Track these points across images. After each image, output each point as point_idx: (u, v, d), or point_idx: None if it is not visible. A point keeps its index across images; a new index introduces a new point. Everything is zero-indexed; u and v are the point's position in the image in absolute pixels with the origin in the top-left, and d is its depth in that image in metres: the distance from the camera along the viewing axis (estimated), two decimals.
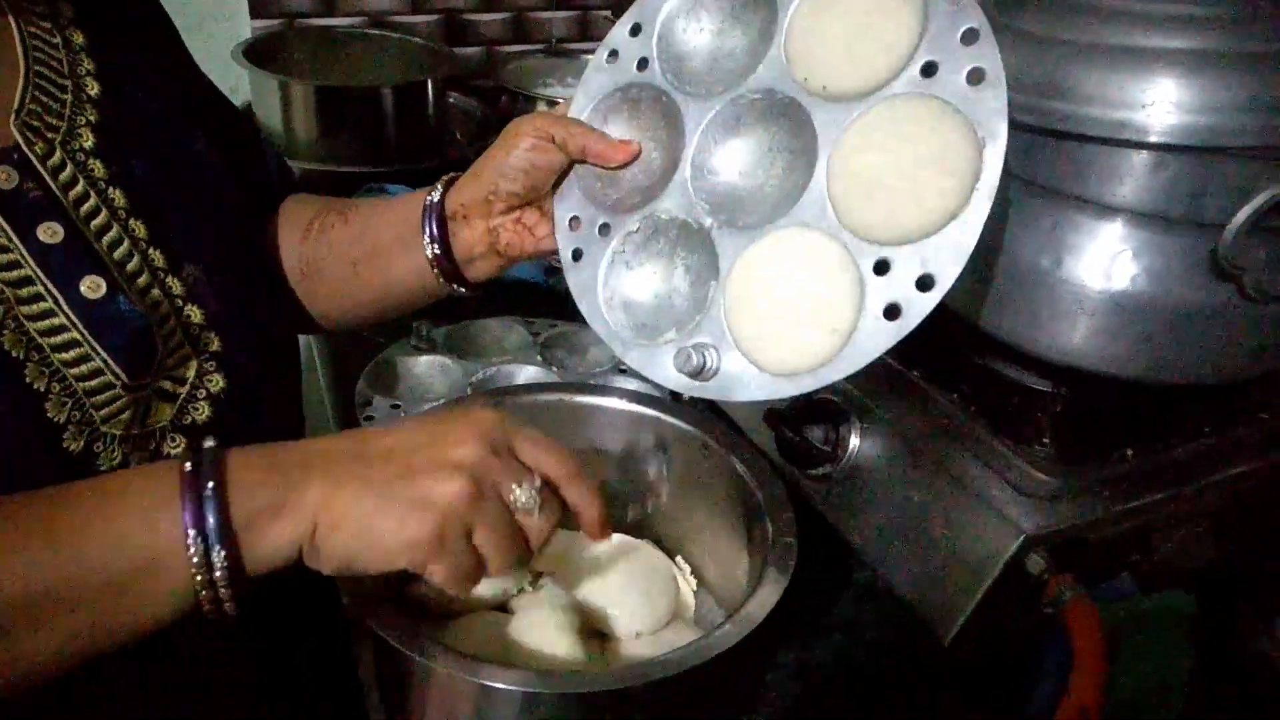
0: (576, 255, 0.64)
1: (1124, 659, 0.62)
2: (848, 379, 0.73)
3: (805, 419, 0.75)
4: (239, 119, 0.74)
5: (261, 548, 0.45)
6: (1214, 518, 0.71)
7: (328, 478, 0.46)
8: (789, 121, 0.57)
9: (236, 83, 1.35)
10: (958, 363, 0.75)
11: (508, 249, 0.66)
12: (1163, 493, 0.68)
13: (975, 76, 0.51)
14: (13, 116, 0.53)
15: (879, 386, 0.74)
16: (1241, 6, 0.59)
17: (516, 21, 1.59)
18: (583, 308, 0.63)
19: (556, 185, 0.65)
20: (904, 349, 0.77)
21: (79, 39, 0.58)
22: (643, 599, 0.66)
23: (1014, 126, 0.64)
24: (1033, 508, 0.64)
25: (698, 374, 0.57)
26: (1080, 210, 0.64)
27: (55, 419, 0.50)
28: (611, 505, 0.74)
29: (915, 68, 0.52)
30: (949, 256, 0.50)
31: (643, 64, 0.63)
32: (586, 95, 0.65)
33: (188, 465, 0.44)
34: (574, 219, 0.64)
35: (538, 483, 0.49)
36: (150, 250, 0.57)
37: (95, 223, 0.54)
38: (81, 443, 0.51)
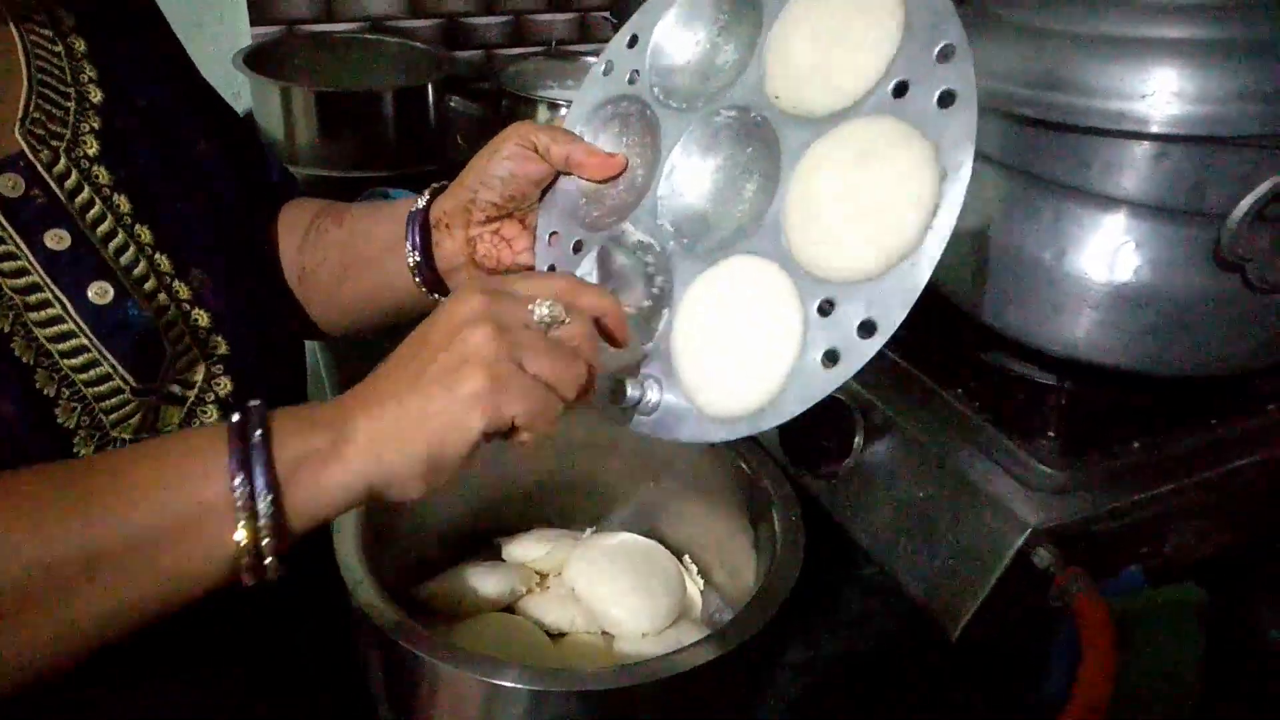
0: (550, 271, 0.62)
1: (1134, 651, 0.62)
2: (852, 377, 0.75)
3: (810, 417, 0.74)
4: (240, 124, 0.74)
5: (312, 495, 0.43)
6: (1223, 509, 0.71)
7: (365, 409, 0.44)
8: (760, 141, 0.54)
9: (238, 90, 1.35)
10: (962, 358, 0.75)
11: (484, 260, 0.64)
12: (1170, 485, 0.67)
13: (946, 99, 0.47)
14: (18, 125, 0.54)
15: (884, 384, 0.74)
16: None
17: (516, 24, 1.59)
18: None
19: (543, 199, 0.64)
20: (908, 346, 0.77)
21: (80, 46, 0.59)
22: (649, 598, 0.66)
23: (1014, 119, 0.65)
24: (1039, 501, 0.64)
25: (634, 406, 0.54)
26: (1082, 202, 0.63)
27: (65, 424, 0.51)
28: (617, 505, 0.75)
29: (887, 86, 0.49)
30: (895, 301, 0.47)
31: (634, 77, 0.61)
32: (580, 107, 0.64)
33: (235, 416, 0.43)
34: (553, 234, 0.62)
35: (550, 299, 0.47)
36: (156, 255, 0.57)
37: (101, 229, 0.55)
38: (92, 447, 0.52)
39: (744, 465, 0.66)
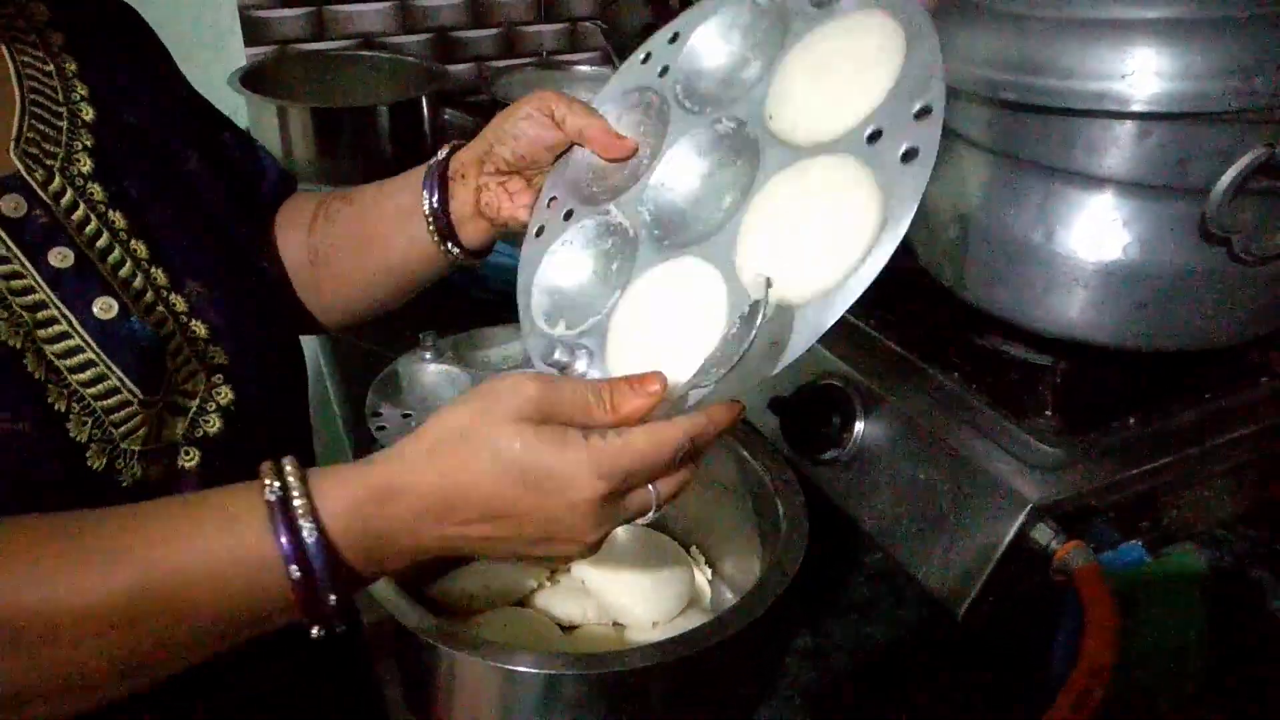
0: (539, 231, 0.64)
1: (1136, 623, 0.62)
2: (849, 365, 0.76)
3: (810, 405, 0.76)
4: (233, 132, 0.75)
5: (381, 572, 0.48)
6: (1221, 481, 0.72)
7: (450, 533, 0.46)
8: (749, 158, 0.56)
9: (235, 110, 1.36)
10: (957, 342, 0.76)
11: (486, 208, 0.66)
12: (1167, 458, 0.68)
13: (909, 155, 0.47)
14: (13, 145, 0.54)
15: (882, 370, 0.75)
16: None
17: (506, 36, 1.61)
18: (519, 279, 0.62)
19: (555, 164, 0.65)
20: (904, 332, 0.79)
21: (71, 66, 0.60)
22: (658, 588, 0.67)
23: (998, 104, 0.66)
24: (1038, 479, 0.65)
25: (560, 369, 0.56)
26: (1068, 183, 0.65)
27: (77, 438, 0.51)
28: None
29: (864, 131, 0.50)
30: (804, 332, 0.47)
31: (664, 71, 0.63)
32: (613, 87, 0.66)
33: (295, 572, 0.44)
34: (552, 199, 0.64)
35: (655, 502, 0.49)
36: (152, 269, 0.58)
37: (99, 245, 0.56)
38: (104, 460, 0.52)
39: (747, 455, 0.67)
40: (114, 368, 0.53)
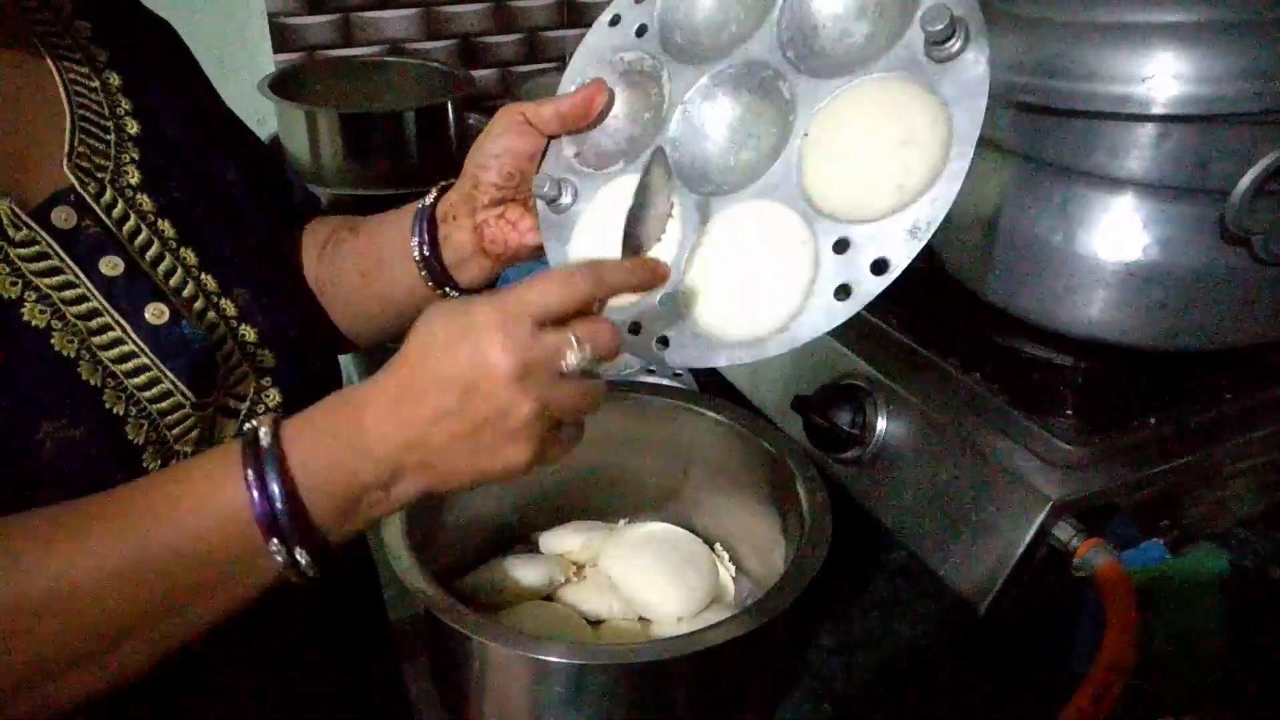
0: (551, 202, 0.62)
1: (1156, 620, 0.63)
2: (872, 364, 0.77)
3: (832, 404, 0.77)
4: (263, 151, 0.76)
5: (363, 523, 0.49)
6: (1241, 480, 0.72)
7: (414, 466, 0.48)
8: (771, 96, 0.58)
9: (264, 116, 1.39)
10: (979, 342, 0.77)
11: (492, 245, 0.65)
12: (1187, 457, 0.69)
13: (956, 48, 0.51)
14: (65, 160, 0.56)
15: (903, 369, 0.76)
16: None
17: (529, 42, 1.63)
18: (550, 257, 0.62)
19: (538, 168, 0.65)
20: (925, 333, 0.79)
21: (115, 81, 0.61)
22: (683, 584, 0.68)
23: (1019, 107, 0.67)
24: (1059, 476, 0.66)
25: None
26: (1089, 185, 0.65)
27: (135, 440, 0.53)
28: (649, 497, 0.77)
29: (899, 48, 0.53)
30: (903, 237, 0.50)
31: (641, 30, 0.63)
32: (583, 55, 0.65)
33: (254, 494, 0.46)
34: (549, 182, 0.62)
35: (577, 346, 0.48)
36: (202, 276, 0.60)
37: (150, 254, 0.57)
38: (159, 462, 0.54)
39: (770, 451, 0.69)
40: (167, 372, 0.55)
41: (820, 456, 0.77)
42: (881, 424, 0.74)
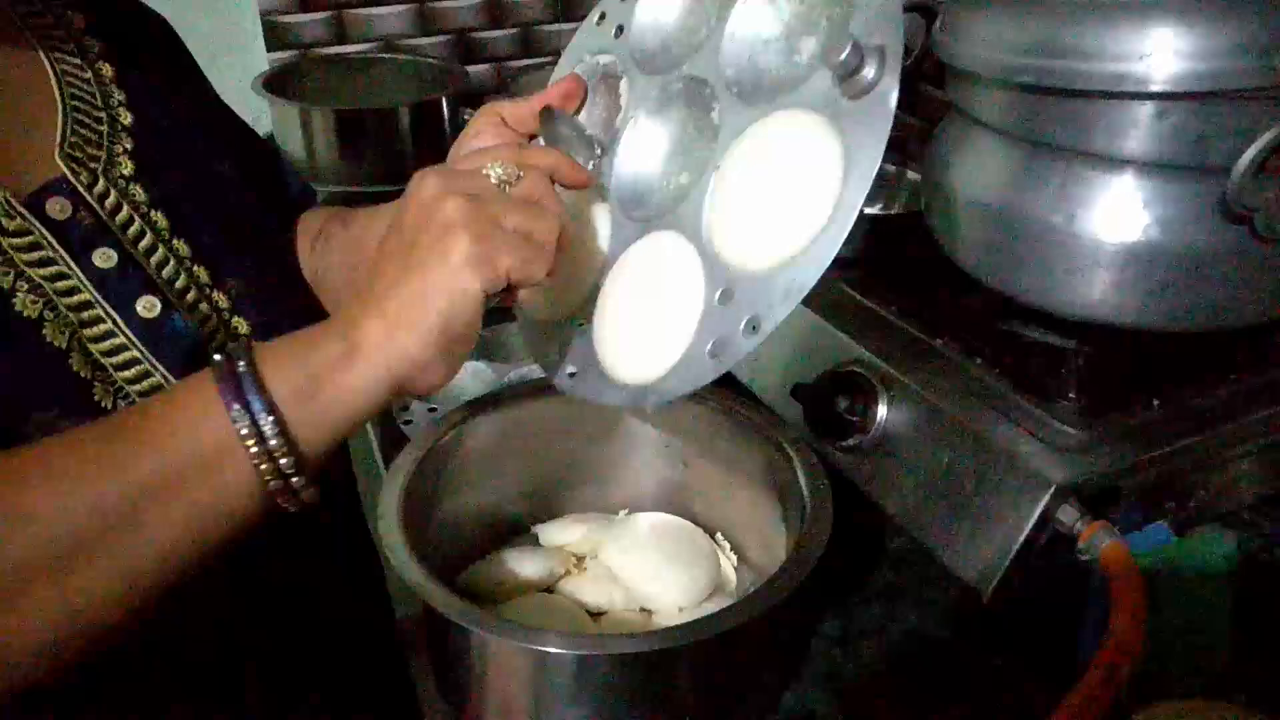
0: None
1: (1162, 604, 0.62)
2: (871, 350, 0.76)
3: (832, 391, 0.76)
4: (257, 142, 0.76)
5: (333, 404, 0.45)
6: (1246, 462, 0.71)
7: (368, 308, 0.46)
8: (703, 120, 0.55)
9: (258, 114, 1.38)
10: (978, 327, 0.76)
11: None
12: (1192, 439, 0.68)
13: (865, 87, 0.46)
14: (58, 150, 0.56)
15: (903, 355, 0.76)
16: None
17: (524, 37, 1.62)
18: None
19: None
20: (925, 318, 0.79)
21: (108, 71, 0.61)
22: (684, 574, 0.68)
23: (1016, 88, 0.66)
24: (1062, 460, 0.65)
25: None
26: (1088, 165, 0.65)
27: None
28: (649, 488, 0.76)
29: (823, 79, 0.49)
30: (778, 301, 0.47)
31: (619, 31, 0.62)
32: (570, 55, 0.65)
33: (216, 356, 0.45)
34: None
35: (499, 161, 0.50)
36: (195, 268, 0.59)
37: (142, 245, 0.57)
38: None
39: (770, 439, 0.68)
40: (158, 365, 0.55)
41: (820, 444, 0.76)
42: (882, 411, 0.74)
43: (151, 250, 0.57)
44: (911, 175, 1.02)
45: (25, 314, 0.50)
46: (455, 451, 0.68)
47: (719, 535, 0.75)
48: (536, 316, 0.62)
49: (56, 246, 0.53)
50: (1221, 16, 0.58)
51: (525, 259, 0.47)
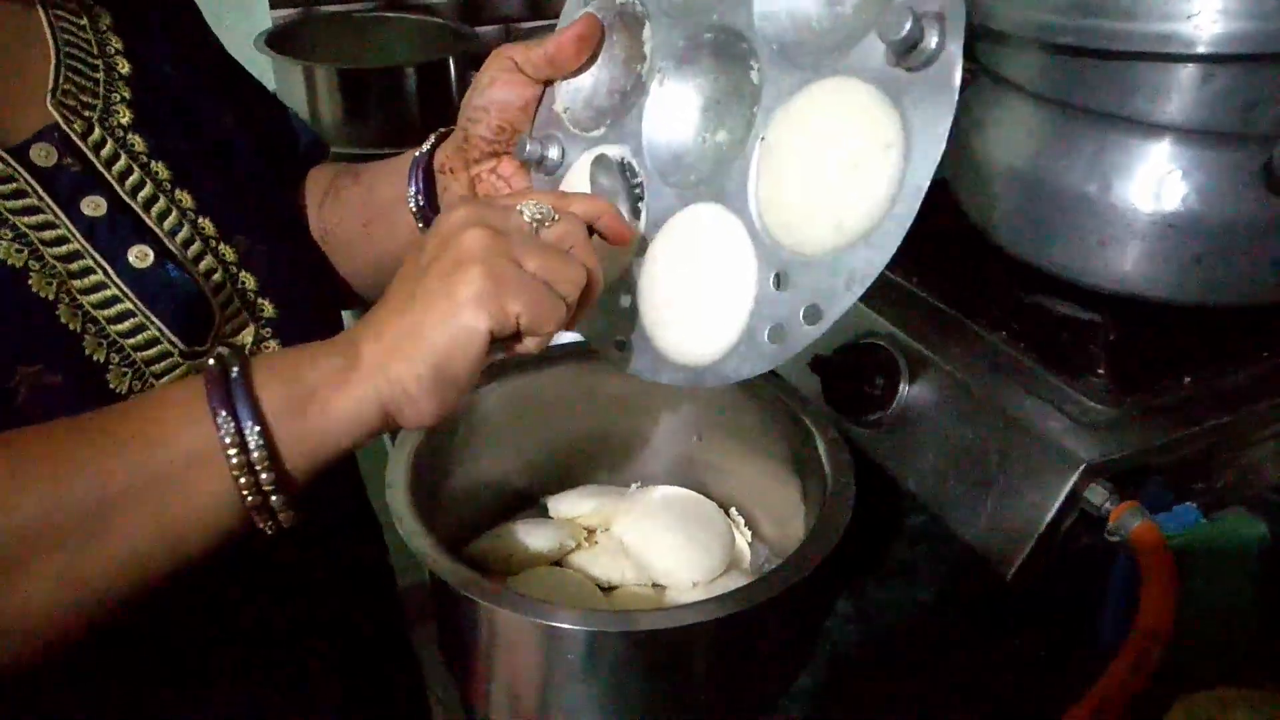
0: (539, 163, 0.60)
1: (1190, 585, 0.61)
2: (893, 323, 0.74)
3: (853, 365, 0.74)
4: (265, 96, 0.74)
5: (319, 425, 0.42)
6: (1277, 441, 0.69)
7: (369, 331, 0.44)
8: (741, 79, 0.51)
9: (260, 72, 1.35)
10: (1005, 300, 0.74)
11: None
12: (1223, 418, 0.66)
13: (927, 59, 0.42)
14: (49, 96, 0.54)
15: (927, 329, 0.73)
16: None
17: None
18: None
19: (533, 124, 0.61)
20: (948, 290, 0.77)
21: (106, 20, 0.59)
22: (698, 549, 0.66)
23: (1052, 49, 0.63)
24: (1091, 437, 0.63)
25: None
26: (1126, 131, 0.62)
27: (117, 389, 0.51)
28: (662, 461, 0.75)
29: (868, 45, 0.44)
30: (840, 285, 0.45)
31: None
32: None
33: (210, 361, 0.43)
34: (531, 144, 0.60)
35: (531, 201, 0.47)
36: (200, 219, 0.57)
37: (142, 195, 0.55)
38: None
39: (789, 413, 0.66)
40: (153, 318, 0.53)
41: (838, 419, 0.75)
42: (904, 385, 0.72)
43: (152, 200, 0.55)
44: None
45: (10, 263, 0.48)
46: (465, 420, 0.67)
47: (733, 510, 0.73)
48: None
49: (43, 194, 0.51)
50: None
51: (539, 308, 0.43)
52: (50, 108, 0.53)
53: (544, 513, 0.72)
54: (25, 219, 0.50)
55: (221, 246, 0.57)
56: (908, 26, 0.41)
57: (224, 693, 0.59)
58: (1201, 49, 0.57)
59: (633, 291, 0.54)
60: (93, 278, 0.51)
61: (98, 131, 0.54)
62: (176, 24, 0.65)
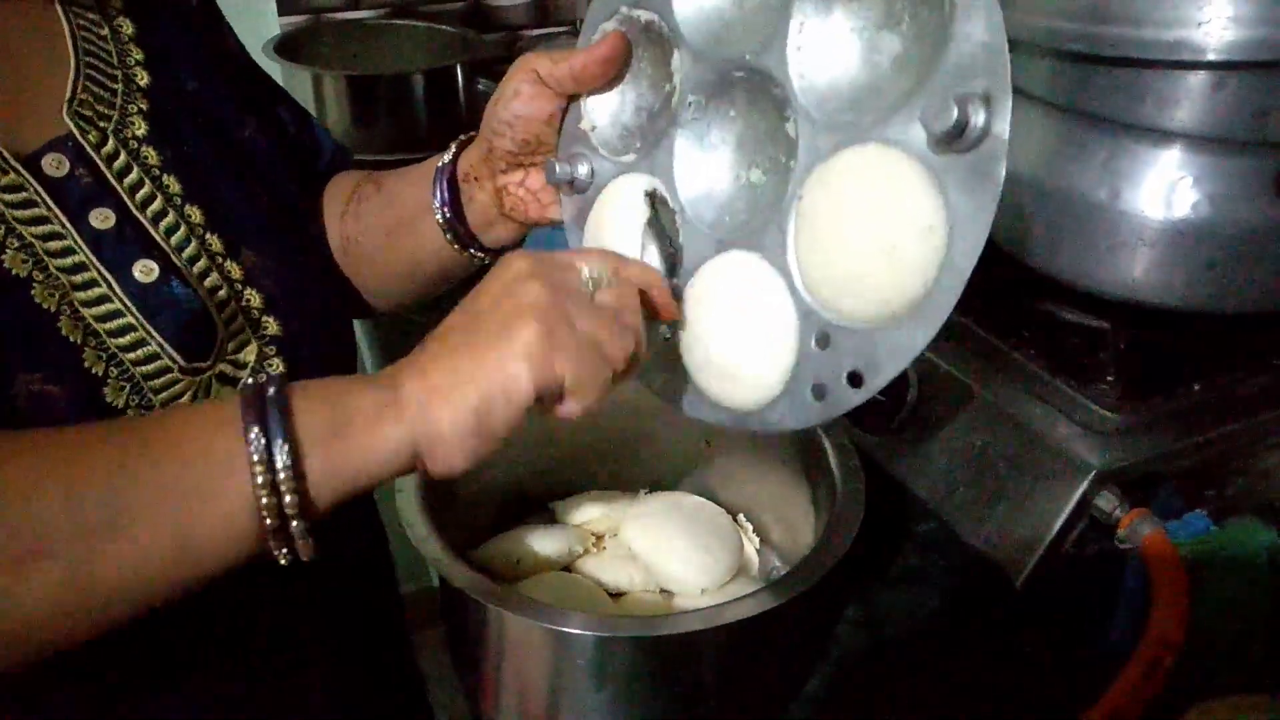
0: (569, 183, 0.59)
1: (1201, 594, 0.61)
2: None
3: None
4: (290, 105, 0.73)
5: (354, 455, 0.42)
6: None
7: (415, 370, 0.43)
8: (776, 126, 0.50)
9: None
10: (1015, 307, 0.74)
11: (512, 214, 0.62)
12: (1233, 425, 0.66)
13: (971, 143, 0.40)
14: (65, 107, 0.54)
15: (936, 335, 0.73)
16: None
17: (540, 5, 1.59)
18: (570, 240, 0.59)
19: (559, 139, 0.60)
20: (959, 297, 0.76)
21: (128, 29, 0.59)
22: (706, 555, 0.66)
23: (1063, 56, 0.64)
24: (1101, 445, 0.63)
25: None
26: (1136, 138, 0.62)
27: (114, 403, 0.51)
28: (671, 467, 0.75)
29: (910, 115, 0.42)
30: (883, 356, 0.44)
31: None
32: (601, 6, 0.57)
33: (250, 379, 0.43)
34: (559, 167, 0.58)
35: (591, 262, 0.47)
36: (208, 235, 0.57)
37: (151, 209, 0.55)
38: None
39: None
40: (154, 333, 0.52)
41: (847, 425, 0.74)
42: (913, 391, 0.72)
43: (161, 215, 0.55)
44: None
45: (14, 272, 0.48)
46: None
47: (741, 516, 0.73)
48: None
49: (52, 205, 0.51)
50: None
51: (585, 370, 0.43)
52: (66, 118, 0.53)
53: (552, 518, 0.72)
54: (32, 229, 0.50)
55: (228, 264, 0.57)
56: (954, 118, 0.39)
57: (223, 693, 0.59)
58: (1212, 56, 0.57)
59: (674, 330, 0.54)
60: (96, 290, 0.51)
61: (111, 143, 0.54)
62: (200, 33, 0.64)
